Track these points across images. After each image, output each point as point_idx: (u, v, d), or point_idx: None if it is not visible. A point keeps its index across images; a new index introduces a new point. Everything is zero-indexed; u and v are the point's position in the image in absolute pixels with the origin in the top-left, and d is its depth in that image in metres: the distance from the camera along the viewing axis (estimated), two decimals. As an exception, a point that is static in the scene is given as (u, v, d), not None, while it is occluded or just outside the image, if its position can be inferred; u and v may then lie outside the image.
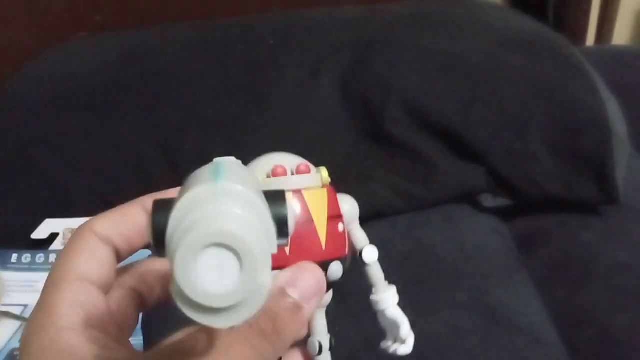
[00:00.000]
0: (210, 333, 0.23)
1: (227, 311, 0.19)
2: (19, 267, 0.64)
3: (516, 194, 0.74)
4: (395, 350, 0.31)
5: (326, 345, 0.30)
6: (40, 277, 0.63)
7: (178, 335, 0.24)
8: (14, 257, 0.65)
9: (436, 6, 0.88)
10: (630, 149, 0.77)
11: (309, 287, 0.25)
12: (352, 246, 0.31)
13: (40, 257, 0.65)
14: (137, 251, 0.27)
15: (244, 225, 0.19)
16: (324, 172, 0.29)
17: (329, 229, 0.28)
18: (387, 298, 0.31)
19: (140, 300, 0.27)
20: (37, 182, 0.73)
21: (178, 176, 0.71)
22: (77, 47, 0.92)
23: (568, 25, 1.18)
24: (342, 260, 0.29)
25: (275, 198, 0.21)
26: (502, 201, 0.76)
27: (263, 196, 0.21)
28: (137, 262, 0.28)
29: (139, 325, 0.37)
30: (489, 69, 0.75)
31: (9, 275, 0.63)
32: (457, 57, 0.76)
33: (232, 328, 0.21)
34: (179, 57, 0.82)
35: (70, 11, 1.01)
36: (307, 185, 0.28)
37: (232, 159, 0.23)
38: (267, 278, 0.19)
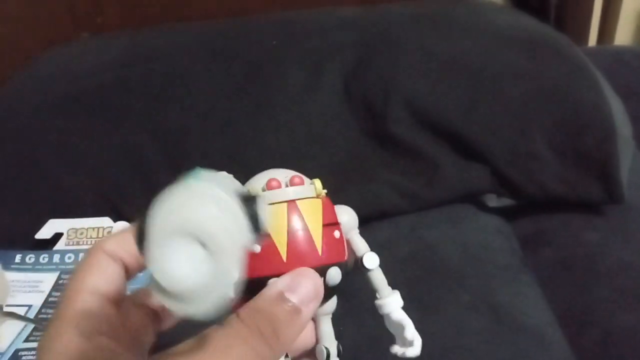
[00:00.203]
0: (210, 335, 0.24)
1: (198, 299, 0.20)
2: (23, 268, 0.64)
3: (520, 194, 0.74)
4: (404, 353, 0.31)
5: (334, 351, 0.31)
6: (44, 278, 0.63)
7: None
8: (18, 257, 0.65)
9: (438, 6, 0.88)
10: (634, 149, 0.77)
11: (306, 291, 0.27)
12: (353, 254, 0.32)
13: (44, 257, 0.65)
14: (145, 268, 0.29)
15: (213, 218, 0.20)
16: (317, 183, 0.30)
17: (325, 235, 0.29)
18: (391, 302, 0.32)
19: (155, 317, 0.30)
20: (40, 182, 0.73)
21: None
22: (79, 49, 0.92)
23: (569, 25, 1.18)
24: (341, 265, 0.30)
25: (247, 198, 0.23)
26: (505, 201, 0.76)
27: (237, 198, 0.22)
28: None
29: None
30: (492, 69, 0.75)
31: (12, 276, 0.63)
32: (459, 57, 0.76)
33: (229, 327, 0.24)
34: (181, 58, 0.82)
35: (71, 13, 1.01)
36: (300, 195, 0.29)
37: (218, 171, 0.25)
38: (235, 267, 0.21)
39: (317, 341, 0.32)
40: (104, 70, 0.82)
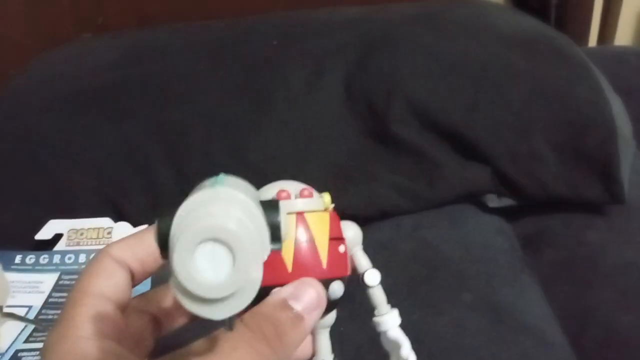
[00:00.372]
0: (215, 338, 0.24)
1: (221, 303, 0.21)
2: (23, 268, 0.64)
3: (521, 194, 0.73)
4: None
5: None
6: (45, 278, 0.63)
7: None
8: (18, 258, 0.65)
9: (440, 6, 0.88)
10: (635, 149, 0.77)
11: (310, 300, 0.27)
12: (354, 270, 0.33)
13: (44, 258, 0.65)
14: (151, 274, 0.30)
15: (238, 224, 0.21)
16: (326, 197, 0.31)
17: (330, 249, 0.30)
18: (388, 320, 0.33)
19: (156, 324, 0.30)
20: (41, 182, 0.73)
21: (182, 177, 0.72)
22: (80, 48, 0.92)
23: (570, 26, 1.18)
24: (343, 280, 0.31)
25: (270, 206, 0.23)
26: (506, 201, 0.76)
27: (259, 204, 0.23)
28: (155, 289, 0.32)
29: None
30: (493, 69, 0.75)
31: (13, 276, 0.63)
32: (461, 57, 0.76)
33: (234, 331, 0.24)
34: (182, 58, 0.82)
35: (72, 13, 1.01)
36: (309, 208, 0.30)
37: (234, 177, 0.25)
38: (258, 273, 0.21)
39: (314, 354, 0.32)
40: (105, 70, 0.82)
